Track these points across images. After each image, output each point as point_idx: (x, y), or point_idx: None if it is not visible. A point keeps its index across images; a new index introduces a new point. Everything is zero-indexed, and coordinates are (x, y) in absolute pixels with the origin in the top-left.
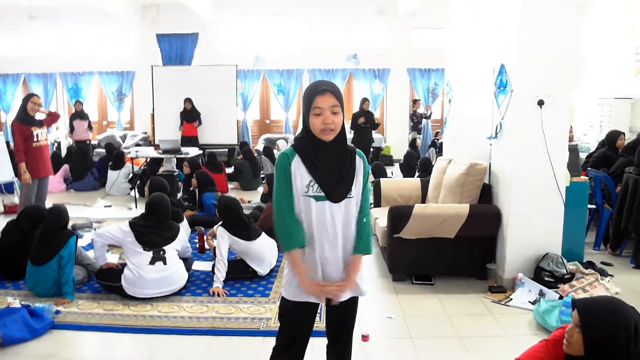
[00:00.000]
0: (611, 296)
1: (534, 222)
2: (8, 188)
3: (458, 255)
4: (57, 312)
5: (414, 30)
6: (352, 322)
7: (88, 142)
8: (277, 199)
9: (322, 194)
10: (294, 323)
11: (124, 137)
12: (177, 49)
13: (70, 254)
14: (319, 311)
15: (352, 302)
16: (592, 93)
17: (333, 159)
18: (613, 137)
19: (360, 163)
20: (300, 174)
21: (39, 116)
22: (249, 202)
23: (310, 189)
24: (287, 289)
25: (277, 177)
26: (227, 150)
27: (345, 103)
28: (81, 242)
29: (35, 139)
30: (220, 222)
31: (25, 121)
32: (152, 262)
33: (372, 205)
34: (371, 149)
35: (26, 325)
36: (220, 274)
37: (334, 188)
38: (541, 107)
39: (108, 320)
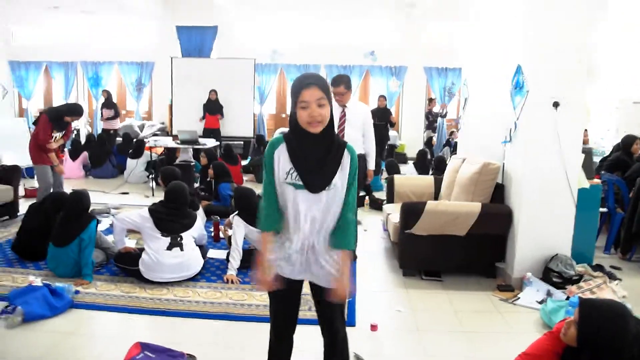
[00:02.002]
0: (618, 303)
1: (545, 223)
2: (29, 172)
3: (468, 253)
4: (77, 292)
5: (431, 29)
6: (334, 311)
7: (112, 131)
8: (263, 184)
9: (301, 182)
10: (273, 300)
11: (141, 127)
12: (196, 41)
13: (90, 237)
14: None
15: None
16: (610, 97)
17: (317, 150)
18: (628, 141)
19: (347, 157)
20: (282, 161)
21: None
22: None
23: (290, 176)
24: None
25: (264, 164)
26: (242, 142)
27: (362, 100)
28: (99, 227)
29: (52, 140)
30: (237, 212)
31: (54, 122)
32: (169, 248)
33: (385, 201)
34: (386, 146)
35: (47, 303)
36: (235, 262)
37: (313, 178)
38: (556, 109)
39: (125, 301)
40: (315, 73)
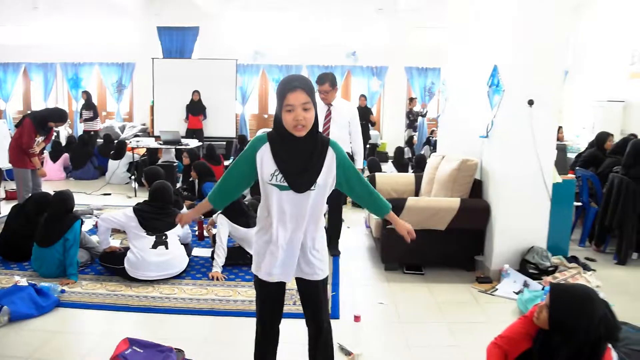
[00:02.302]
0: (586, 287)
1: (521, 217)
2: (9, 175)
3: (448, 247)
4: (62, 291)
5: (412, 29)
6: (320, 302)
7: (92, 132)
8: (231, 167)
9: (286, 184)
10: (259, 293)
11: (122, 128)
12: (177, 42)
13: (75, 236)
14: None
15: (313, 284)
16: (586, 95)
17: (301, 151)
18: (602, 138)
19: (332, 155)
20: (265, 162)
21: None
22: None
23: (274, 178)
24: (253, 263)
25: (240, 155)
26: (225, 143)
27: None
28: (83, 228)
29: (35, 144)
30: (221, 211)
31: (38, 127)
32: (154, 246)
33: None
34: (367, 145)
35: (33, 302)
36: (220, 259)
37: (298, 179)
38: (531, 107)
39: (111, 300)
40: (301, 75)
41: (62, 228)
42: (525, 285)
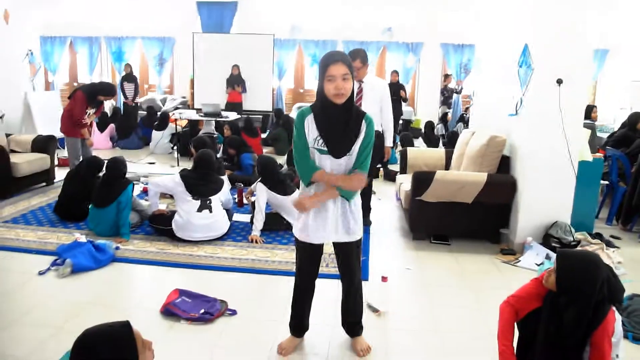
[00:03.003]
0: (591, 253)
1: (547, 193)
2: (62, 143)
3: (474, 220)
4: (117, 248)
5: (448, 5)
6: (353, 261)
7: (134, 104)
8: (295, 148)
9: (326, 148)
10: (299, 252)
11: (164, 101)
12: (216, 17)
13: (128, 199)
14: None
15: (348, 245)
16: (625, 76)
17: (340, 120)
18: (635, 118)
19: (364, 126)
20: (311, 129)
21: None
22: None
23: (316, 142)
24: (295, 227)
25: (295, 131)
26: (261, 116)
27: (378, 76)
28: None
29: (86, 116)
30: (260, 179)
31: (89, 100)
32: (199, 210)
33: (399, 172)
34: (400, 121)
35: (92, 256)
36: (259, 224)
37: (337, 145)
38: (560, 86)
39: (160, 257)
40: (341, 51)
41: (115, 191)
42: (547, 258)
